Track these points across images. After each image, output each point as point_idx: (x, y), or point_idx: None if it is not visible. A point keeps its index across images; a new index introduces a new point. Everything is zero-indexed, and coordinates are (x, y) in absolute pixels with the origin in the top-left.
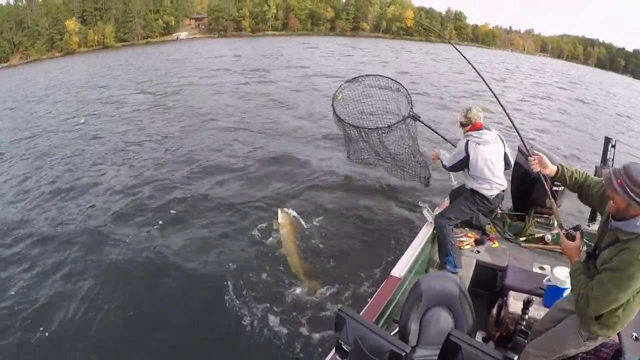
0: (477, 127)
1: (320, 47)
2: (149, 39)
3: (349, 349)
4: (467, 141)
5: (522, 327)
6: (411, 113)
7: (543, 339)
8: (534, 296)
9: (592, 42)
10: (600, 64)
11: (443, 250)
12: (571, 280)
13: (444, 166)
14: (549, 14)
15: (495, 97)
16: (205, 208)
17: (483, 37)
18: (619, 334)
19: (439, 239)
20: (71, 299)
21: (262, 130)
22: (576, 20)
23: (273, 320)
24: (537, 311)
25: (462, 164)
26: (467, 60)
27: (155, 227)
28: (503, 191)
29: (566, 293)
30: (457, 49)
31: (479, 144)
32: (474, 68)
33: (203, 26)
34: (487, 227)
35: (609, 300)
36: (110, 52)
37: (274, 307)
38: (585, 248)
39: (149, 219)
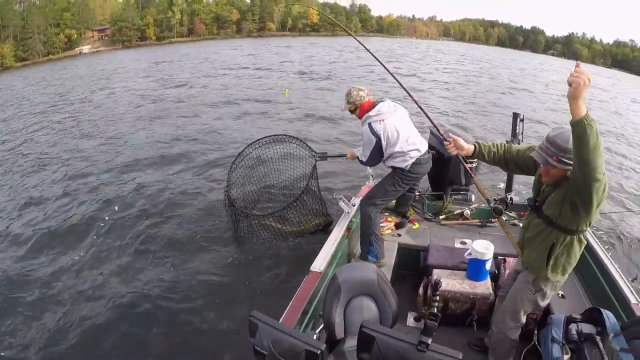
0: (369, 106)
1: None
2: (50, 55)
3: (265, 354)
4: (369, 124)
5: (434, 310)
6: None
7: (502, 307)
8: (458, 270)
9: (492, 24)
10: (500, 43)
11: (366, 241)
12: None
13: (362, 162)
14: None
15: (399, 82)
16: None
17: (387, 27)
18: None
19: (362, 229)
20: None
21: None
22: (475, 3)
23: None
24: (462, 285)
25: (380, 150)
26: (367, 50)
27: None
28: (428, 152)
29: (488, 265)
30: (357, 40)
31: (382, 120)
32: (374, 56)
33: (107, 38)
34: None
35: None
36: (11, 73)
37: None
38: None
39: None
